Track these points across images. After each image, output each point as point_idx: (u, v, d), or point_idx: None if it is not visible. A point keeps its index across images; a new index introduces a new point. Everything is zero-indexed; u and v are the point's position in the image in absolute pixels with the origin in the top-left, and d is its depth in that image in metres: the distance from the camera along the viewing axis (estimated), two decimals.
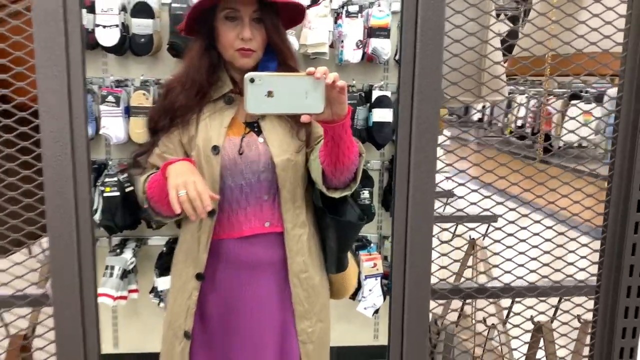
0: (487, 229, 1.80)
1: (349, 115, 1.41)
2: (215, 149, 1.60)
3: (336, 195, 1.62)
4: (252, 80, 1.04)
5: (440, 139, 0.87)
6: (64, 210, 0.76)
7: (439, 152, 0.81)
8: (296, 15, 1.71)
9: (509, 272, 1.07)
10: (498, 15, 1.27)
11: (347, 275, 1.86)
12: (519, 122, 13.32)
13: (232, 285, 1.69)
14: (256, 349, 1.69)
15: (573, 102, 11.88)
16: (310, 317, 1.72)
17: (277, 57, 1.65)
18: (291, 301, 1.69)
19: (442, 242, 1.14)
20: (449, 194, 2.61)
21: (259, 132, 1.65)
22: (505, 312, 1.89)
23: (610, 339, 0.89)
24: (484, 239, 1.61)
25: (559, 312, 1.55)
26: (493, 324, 1.56)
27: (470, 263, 2.05)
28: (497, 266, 1.11)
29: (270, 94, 1.03)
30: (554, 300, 1.57)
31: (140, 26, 2.65)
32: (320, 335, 1.75)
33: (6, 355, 1.31)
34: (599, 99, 12.24)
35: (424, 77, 0.73)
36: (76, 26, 0.67)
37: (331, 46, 2.83)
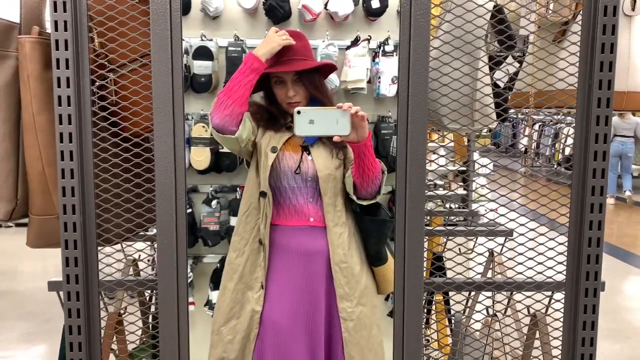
0: (505, 241, 2.01)
1: (370, 137, 1.93)
2: (274, 149, 2.13)
3: (365, 203, 2.12)
4: (298, 112, 1.39)
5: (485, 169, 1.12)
6: (169, 208, 1.04)
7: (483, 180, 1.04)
8: (329, 69, 2.30)
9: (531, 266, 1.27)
10: (497, 62, 1.53)
11: (388, 269, 2.22)
12: (567, 151, 13.16)
13: (288, 265, 2.13)
14: (311, 321, 2.11)
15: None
16: (351, 299, 2.10)
17: (318, 102, 2.20)
18: (334, 285, 2.10)
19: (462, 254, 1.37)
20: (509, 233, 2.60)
21: (308, 153, 2.17)
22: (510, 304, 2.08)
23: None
24: (501, 250, 1.83)
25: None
26: (495, 314, 1.76)
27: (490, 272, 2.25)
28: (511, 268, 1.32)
29: (311, 121, 1.38)
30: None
31: (201, 67, 3.00)
32: (361, 316, 2.12)
33: (105, 330, 1.60)
34: None
35: (414, 109, 0.99)
36: (179, 84, 0.96)
37: (369, 82, 3.11)
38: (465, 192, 3.84)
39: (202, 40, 3.04)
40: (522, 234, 1.28)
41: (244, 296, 2.16)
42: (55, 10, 1.05)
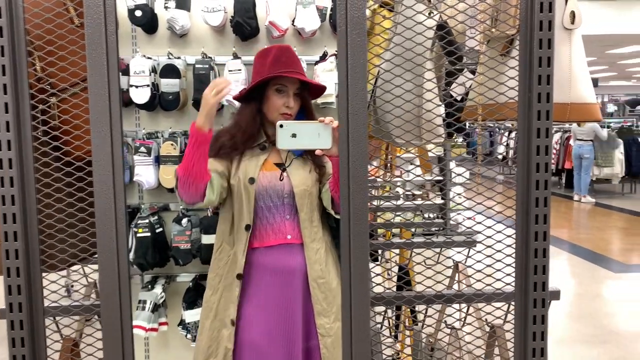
0: (469, 253, 2.03)
1: None
2: (252, 180, 2.14)
3: None
4: (281, 126, 1.40)
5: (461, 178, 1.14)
6: (108, 226, 1.03)
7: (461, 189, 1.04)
8: (319, 91, 2.35)
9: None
10: (451, 75, 1.57)
11: None
12: None
13: (264, 285, 2.13)
14: (288, 339, 2.10)
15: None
16: (329, 315, 2.12)
17: (307, 117, 2.26)
18: (312, 301, 2.11)
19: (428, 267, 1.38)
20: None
21: (284, 169, 2.19)
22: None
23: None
24: (465, 261, 1.84)
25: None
26: (453, 327, 1.77)
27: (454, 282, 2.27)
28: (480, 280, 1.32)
29: (293, 135, 1.39)
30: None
31: (168, 85, 3.00)
32: (338, 332, 2.07)
33: (59, 358, 1.58)
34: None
35: (354, 121, 1.00)
36: (116, 107, 0.96)
37: (337, 96, 3.13)
38: (442, 201, 3.87)
39: (169, 58, 3.04)
40: (489, 245, 1.30)
41: (219, 334, 2.17)
42: None
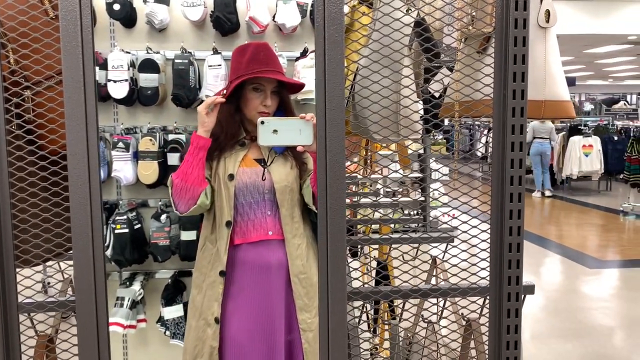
0: (446, 248, 2.06)
1: None
2: (231, 177, 2.15)
3: None
4: (262, 122, 1.40)
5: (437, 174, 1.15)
6: (83, 221, 1.02)
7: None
8: (298, 88, 2.37)
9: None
10: (430, 73, 1.59)
11: None
12: None
13: (247, 282, 2.14)
14: (269, 335, 2.11)
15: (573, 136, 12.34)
16: (310, 310, 2.14)
17: (286, 114, 2.28)
18: (293, 297, 2.13)
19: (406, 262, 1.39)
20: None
21: (264, 166, 2.19)
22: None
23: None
24: (443, 256, 1.87)
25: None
26: (430, 321, 1.80)
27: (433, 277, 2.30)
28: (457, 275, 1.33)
29: (275, 131, 1.38)
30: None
31: (147, 80, 2.97)
32: None
33: (34, 354, 1.55)
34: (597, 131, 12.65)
35: (332, 123, 1.01)
36: (92, 99, 0.95)
37: None
38: (422, 198, 3.90)
39: (148, 52, 3.01)
40: (464, 240, 1.31)
41: (204, 333, 2.17)
42: None
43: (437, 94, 1.74)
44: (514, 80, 1.11)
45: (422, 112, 1.63)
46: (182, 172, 2.07)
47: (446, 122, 2.58)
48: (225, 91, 2.30)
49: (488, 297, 1.24)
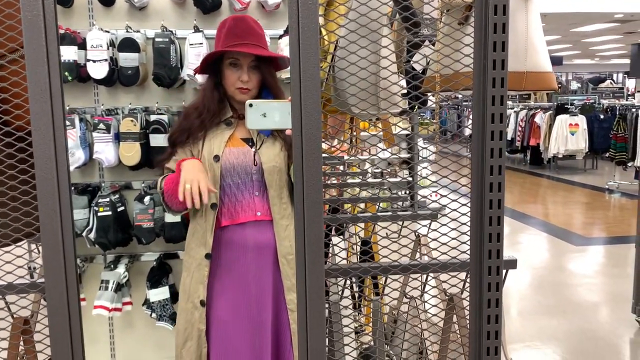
0: (430, 225, 2.05)
1: None
2: (217, 158, 2.11)
3: None
4: (250, 105, 1.36)
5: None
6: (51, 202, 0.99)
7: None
8: (283, 63, 2.25)
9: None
10: (414, 45, 1.55)
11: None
12: (509, 137, 13.74)
13: (235, 263, 2.12)
14: (256, 315, 2.12)
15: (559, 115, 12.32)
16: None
17: (271, 92, 2.20)
18: (281, 277, 2.12)
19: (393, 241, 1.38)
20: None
21: (252, 145, 2.16)
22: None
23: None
24: (428, 233, 1.86)
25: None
26: (412, 296, 1.80)
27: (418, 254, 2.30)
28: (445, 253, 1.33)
29: (263, 114, 1.34)
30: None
31: (127, 59, 2.91)
32: None
33: (10, 337, 1.53)
34: (584, 110, 12.65)
35: (307, 96, 0.98)
36: (56, 71, 0.91)
37: None
38: (410, 178, 3.89)
39: (127, 31, 2.95)
40: (445, 214, 1.30)
41: (192, 316, 2.16)
42: None
43: (420, 70, 1.71)
44: (494, 50, 1.09)
45: (403, 85, 1.60)
46: (173, 188, 2.03)
47: (432, 100, 2.56)
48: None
49: (469, 272, 1.23)
